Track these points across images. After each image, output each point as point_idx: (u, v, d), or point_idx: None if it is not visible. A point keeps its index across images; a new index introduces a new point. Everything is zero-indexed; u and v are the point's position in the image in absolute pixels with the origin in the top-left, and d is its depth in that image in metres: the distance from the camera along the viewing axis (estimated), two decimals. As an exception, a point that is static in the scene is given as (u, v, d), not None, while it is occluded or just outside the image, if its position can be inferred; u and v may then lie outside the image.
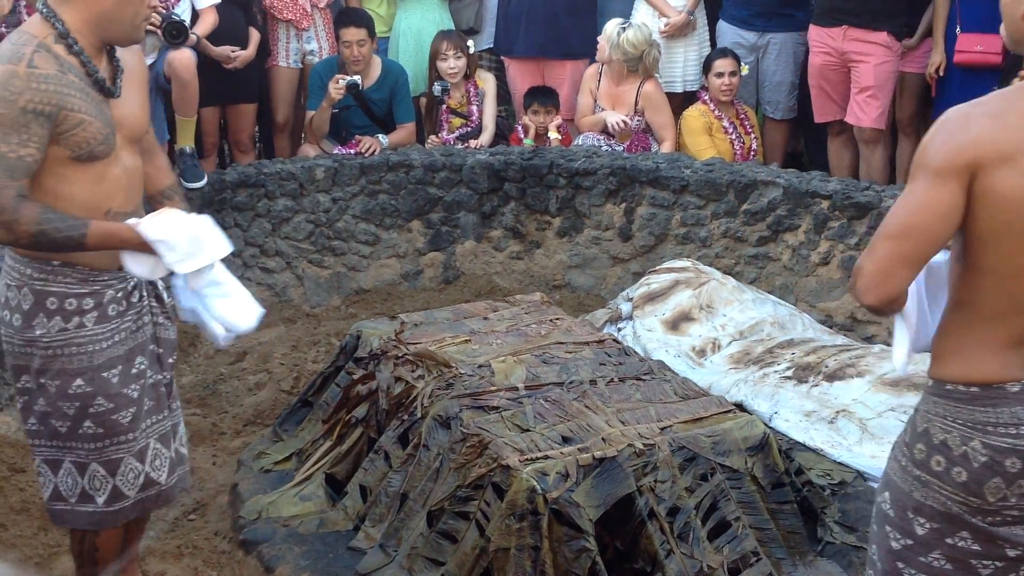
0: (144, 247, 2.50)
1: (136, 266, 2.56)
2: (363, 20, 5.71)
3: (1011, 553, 2.01)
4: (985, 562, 2.02)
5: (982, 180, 1.90)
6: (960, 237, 1.97)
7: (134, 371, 2.65)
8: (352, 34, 5.61)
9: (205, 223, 2.60)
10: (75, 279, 2.54)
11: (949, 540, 2.02)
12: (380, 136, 5.62)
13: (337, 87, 5.52)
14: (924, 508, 2.03)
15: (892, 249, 1.94)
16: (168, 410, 2.79)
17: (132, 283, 2.63)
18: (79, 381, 2.57)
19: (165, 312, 2.77)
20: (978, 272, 1.97)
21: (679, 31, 6.14)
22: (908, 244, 1.93)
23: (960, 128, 1.93)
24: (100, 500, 2.68)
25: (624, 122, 5.80)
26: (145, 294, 2.68)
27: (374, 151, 5.51)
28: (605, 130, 5.91)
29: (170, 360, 2.78)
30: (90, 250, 2.49)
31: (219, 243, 2.62)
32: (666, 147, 5.85)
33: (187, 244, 2.52)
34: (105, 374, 2.59)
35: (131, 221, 2.52)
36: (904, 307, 2.08)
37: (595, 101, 6.00)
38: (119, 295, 2.60)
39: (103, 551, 2.77)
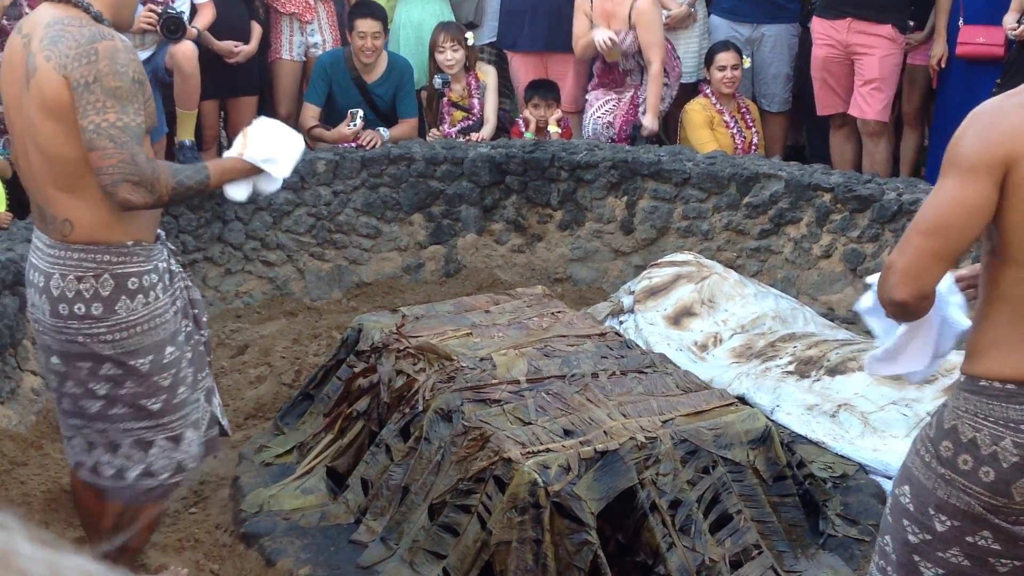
0: (251, 172, 2.69)
1: (236, 192, 2.73)
2: (379, 12, 5.69)
3: None
4: (1004, 560, 2.00)
5: (1016, 173, 1.88)
6: (995, 231, 1.95)
7: (183, 336, 2.76)
8: (368, 25, 5.59)
9: (273, 124, 2.80)
10: (143, 256, 2.63)
11: (969, 539, 2.00)
12: (381, 129, 5.61)
13: (354, 127, 5.50)
14: (947, 506, 2.01)
15: (925, 245, 1.92)
16: (208, 367, 2.91)
17: (166, 252, 2.75)
18: (170, 348, 2.67)
19: (190, 275, 2.91)
20: (1015, 265, 1.94)
21: (680, 23, 6.13)
22: (941, 240, 1.91)
23: (995, 122, 1.91)
24: (191, 464, 2.79)
25: (612, 40, 5.70)
26: (174, 261, 2.80)
27: (375, 144, 5.50)
28: (600, 56, 5.81)
29: (204, 319, 2.90)
30: (211, 190, 2.67)
31: (291, 134, 2.81)
32: (653, 69, 5.72)
33: (281, 151, 2.72)
34: (180, 337, 2.72)
35: (234, 152, 2.70)
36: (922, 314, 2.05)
37: (591, 23, 5.88)
38: (164, 265, 2.72)
39: (143, 529, 2.85)
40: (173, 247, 2.84)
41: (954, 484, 2.00)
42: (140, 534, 2.84)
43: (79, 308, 2.59)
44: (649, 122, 5.76)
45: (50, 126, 2.51)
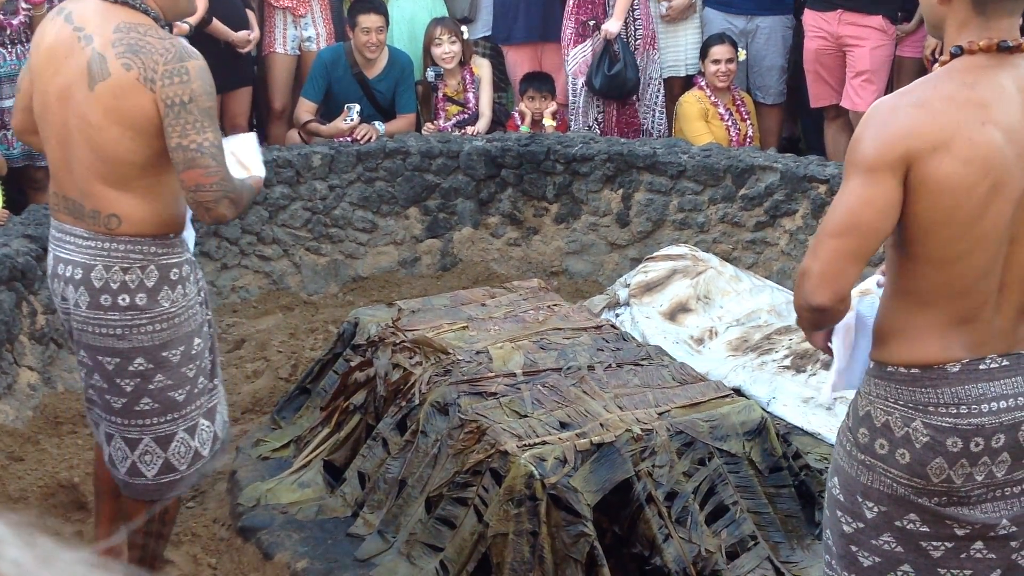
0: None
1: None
2: (381, 8, 5.69)
3: (960, 532, 2.02)
4: (935, 543, 2.03)
5: (917, 170, 1.90)
6: (899, 227, 1.98)
7: (207, 327, 2.83)
8: (371, 20, 5.59)
9: (244, 139, 3.05)
10: (181, 248, 2.73)
11: (898, 523, 2.03)
12: (377, 123, 5.60)
13: (350, 122, 5.51)
14: (871, 492, 2.04)
15: (838, 247, 1.94)
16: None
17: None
18: (197, 340, 2.74)
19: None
20: (917, 260, 1.97)
21: (681, 14, 6.13)
22: (854, 241, 1.94)
23: (888, 121, 1.93)
24: (206, 451, 2.83)
25: None
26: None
27: (370, 139, 5.49)
28: None
29: (210, 306, 2.97)
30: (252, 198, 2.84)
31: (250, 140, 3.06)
32: None
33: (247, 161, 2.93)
34: (205, 328, 2.79)
35: (252, 173, 2.87)
36: (839, 328, 2.08)
37: None
38: (191, 256, 2.81)
39: (171, 513, 2.90)
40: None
41: (875, 469, 2.03)
42: (169, 522, 2.91)
43: (123, 299, 2.63)
44: (611, 25, 5.77)
45: (116, 131, 2.55)
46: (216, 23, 5.29)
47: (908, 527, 2.03)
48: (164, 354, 2.67)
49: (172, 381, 2.69)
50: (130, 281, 2.62)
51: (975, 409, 1.98)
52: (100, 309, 2.63)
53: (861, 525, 2.07)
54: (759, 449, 3.14)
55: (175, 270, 2.67)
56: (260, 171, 2.91)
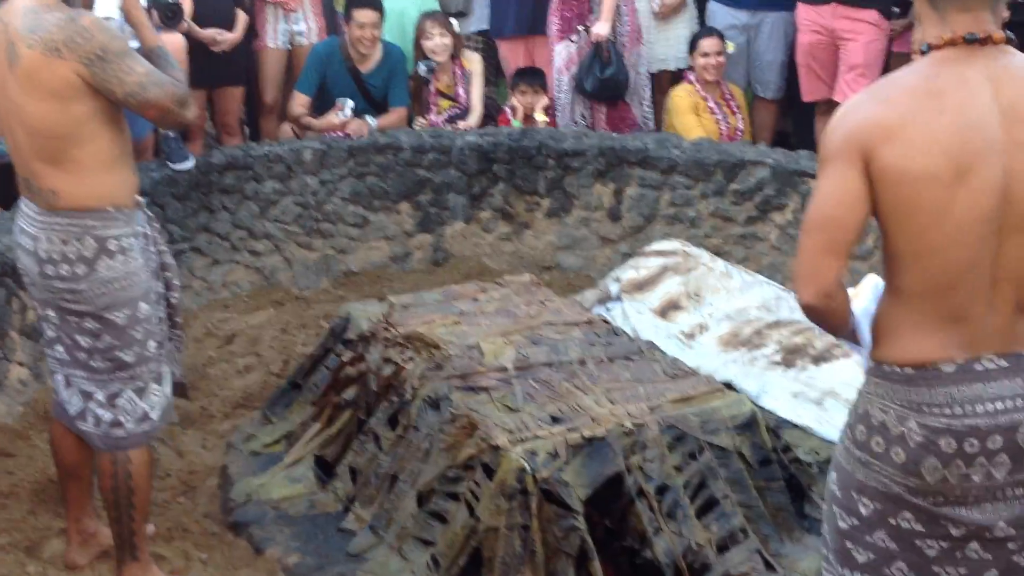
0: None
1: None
2: (376, 3, 5.68)
3: (955, 532, 2.01)
4: (930, 542, 2.03)
5: (875, 162, 1.92)
6: (878, 223, 1.99)
7: (155, 295, 2.95)
8: (367, 16, 5.58)
9: None
10: (123, 220, 2.85)
11: (892, 520, 2.03)
12: (368, 118, 5.60)
13: (343, 116, 5.51)
14: (867, 488, 2.04)
15: (812, 243, 1.97)
16: (173, 327, 3.08)
17: (143, 217, 2.96)
18: (144, 305, 2.86)
19: (164, 239, 3.11)
20: (897, 256, 1.99)
21: (673, 12, 6.13)
22: (825, 236, 1.96)
23: (848, 114, 1.97)
24: (155, 415, 2.95)
25: None
26: (148, 226, 2.98)
27: (362, 134, 5.49)
28: None
29: (176, 282, 3.07)
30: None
31: None
32: None
33: None
34: (153, 296, 2.91)
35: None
36: (852, 321, 2.09)
37: None
38: (141, 228, 2.93)
39: (138, 485, 2.96)
40: (151, 213, 3.04)
41: (870, 467, 2.03)
42: (138, 491, 2.96)
43: (65, 269, 2.81)
44: (600, 28, 5.77)
45: (39, 107, 2.73)
46: (188, 21, 5.25)
47: (903, 525, 2.03)
48: (108, 316, 2.82)
49: (119, 342, 2.85)
50: (69, 252, 2.80)
51: (970, 410, 1.96)
52: (47, 278, 2.83)
53: (856, 522, 2.07)
54: (749, 443, 3.15)
55: (113, 241, 2.82)
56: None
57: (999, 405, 1.97)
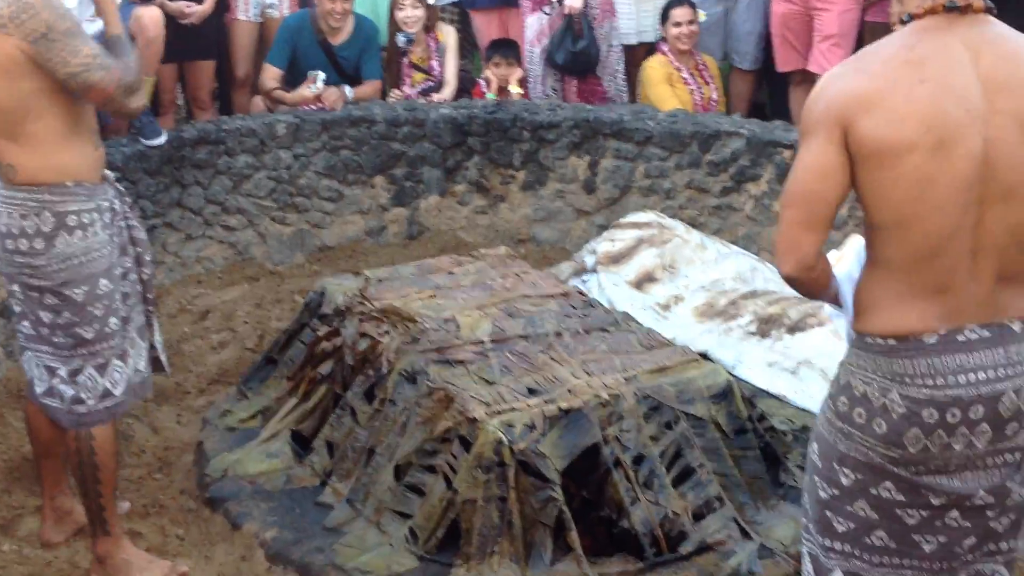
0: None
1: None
2: None
3: (935, 501, 2.03)
4: (910, 511, 2.05)
5: (854, 133, 1.92)
6: (858, 196, 1.99)
7: (121, 270, 2.92)
8: None
9: None
10: (85, 195, 2.83)
11: (873, 490, 2.05)
12: (346, 87, 5.55)
13: (315, 90, 5.46)
14: (848, 459, 2.06)
15: (790, 217, 1.99)
16: (145, 303, 3.06)
17: (112, 193, 2.93)
18: (104, 281, 2.84)
19: (135, 215, 3.07)
20: (878, 227, 1.99)
21: None
22: (803, 209, 1.97)
23: (826, 87, 1.97)
24: (118, 392, 2.93)
25: None
26: (119, 201, 2.96)
27: (338, 103, 5.43)
28: None
29: (148, 257, 3.06)
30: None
31: None
32: None
33: None
34: (116, 272, 2.89)
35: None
36: (835, 286, 2.11)
37: None
38: (107, 204, 2.89)
39: (102, 459, 2.95)
40: (122, 188, 3.01)
41: (852, 438, 2.04)
42: (103, 467, 2.95)
43: (23, 243, 2.79)
44: (574, 1, 5.75)
45: None
46: None
47: (883, 495, 2.04)
48: (67, 292, 2.81)
49: (78, 318, 2.83)
50: (28, 227, 2.78)
51: (952, 380, 1.97)
52: (8, 253, 2.82)
53: (837, 492, 2.08)
54: (725, 412, 3.16)
55: (72, 216, 2.80)
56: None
57: (981, 375, 1.98)
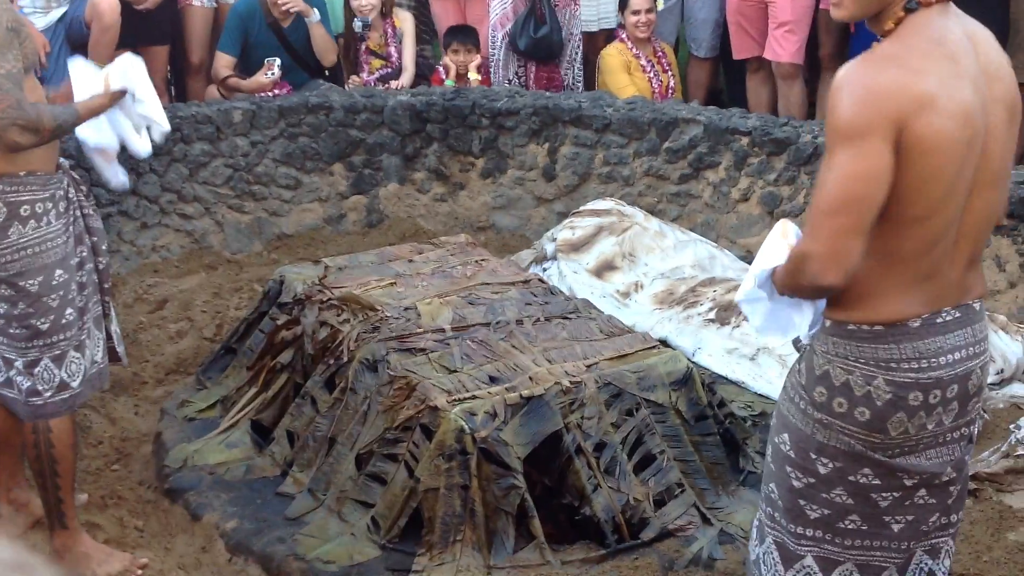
0: (113, 100, 2.94)
1: (94, 134, 2.97)
2: None
3: (908, 482, 2.07)
4: (884, 494, 2.08)
5: (910, 131, 1.86)
6: None
7: (76, 260, 2.89)
8: None
9: (127, 60, 3.01)
10: (38, 185, 2.79)
11: (852, 477, 2.07)
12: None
13: (271, 76, 5.41)
14: (827, 448, 2.07)
15: (839, 226, 1.88)
16: (104, 294, 3.03)
17: (67, 181, 2.89)
18: (59, 271, 2.81)
19: (91, 204, 3.04)
20: (896, 220, 1.94)
21: None
22: (853, 216, 1.88)
23: (869, 85, 1.88)
24: (75, 384, 2.90)
25: None
26: (73, 190, 2.92)
27: (274, 73, 5.42)
28: None
29: (103, 247, 3.03)
30: (80, 123, 2.89)
31: (133, 60, 3.02)
32: None
33: (133, 78, 2.97)
34: (72, 262, 2.86)
35: (91, 88, 2.90)
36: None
37: None
38: (62, 193, 2.86)
39: (60, 453, 2.93)
40: (78, 177, 2.99)
41: (832, 427, 2.05)
42: (61, 460, 2.92)
43: None
44: None
45: None
46: None
47: (861, 480, 2.06)
48: (21, 283, 2.78)
49: (33, 310, 2.80)
50: None
51: (934, 363, 2.00)
52: None
53: (812, 480, 2.09)
54: (685, 399, 3.19)
55: (26, 207, 2.76)
56: (113, 83, 2.94)
57: (956, 355, 2.02)
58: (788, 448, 2.13)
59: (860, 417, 2.03)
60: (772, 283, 2.09)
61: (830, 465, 2.07)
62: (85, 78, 2.96)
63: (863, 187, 1.87)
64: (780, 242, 2.11)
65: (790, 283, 2.02)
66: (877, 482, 2.07)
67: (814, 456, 2.08)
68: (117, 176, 3.12)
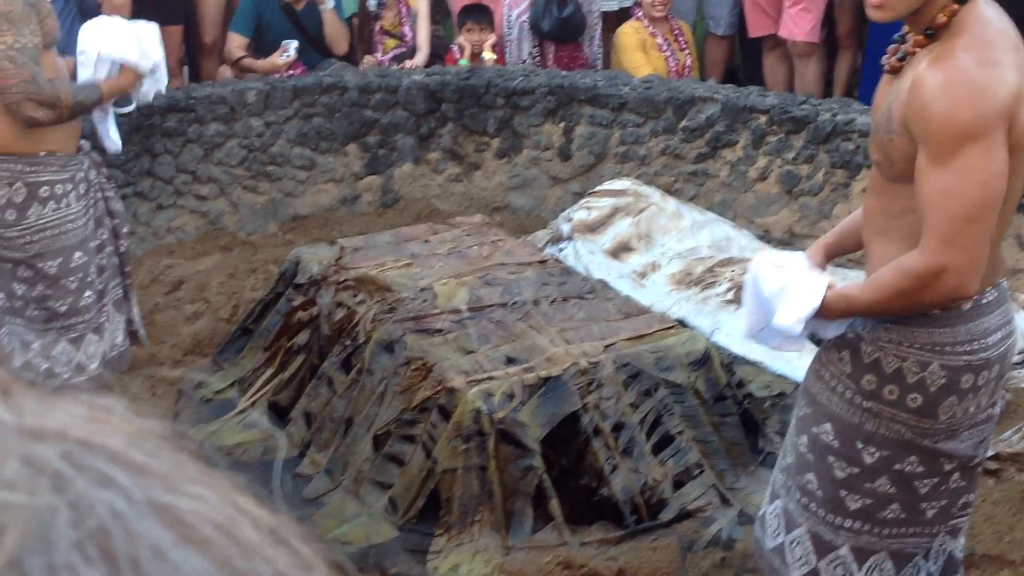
0: (131, 84, 2.94)
1: (119, 48, 2.96)
2: None
3: (947, 467, 2.06)
4: (925, 481, 2.07)
5: (1016, 127, 1.86)
6: None
7: (96, 243, 2.90)
8: None
9: (137, 27, 3.03)
10: (58, 166, 2.79)
11: (897, 466, 2.05)
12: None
13: (287, 58, 5.40)
14: (875, 437, 2.05)
15: (980, 231, 1.86)
16: (123, 276, 3.06)
17: (87, 163, 2.89)
18: (78, 253, 2.82)
19: (112, 186, 3.06)
20: None
21: None
22: (990, 220, 1.86)
23: (979, 84, 1.85)
24: (93, 366, 2.94)
25: None
26: (95, 172, 2.93)
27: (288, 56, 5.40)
28: None
29: (125, 229, 3.04)
30: (102, 103, 2.87)
31: (149, 28, 3.07)
32: None
33: (155, 52, 3.01)
34: (91, 244, 2.87)
35: (119, 63, 2.90)
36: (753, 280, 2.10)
37: None
38: (82, 175, 2.87)
39: None
40: (99, 159, 2.98)
41: (881, 415, 2.03)
42: None
43: None
44: None
45: None
46: None
47: (907, 469, 2.05)
48: (40, 265, 2.78)
49: (51, 292, 2.81)
50: (0, 197, 2.76)
51: (984, 343, 2.00)
52: None
53: (857, 470, 2.07)
54: (704, 379, 3.17)
55: (45, 188, 2.76)
56: (143, 64, 2.95)
57: (998, 335, 2.02)
58: (831, 438, 2.10)
59: (912, 404, 2.01)
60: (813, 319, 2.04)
61: (877, 454, 2.05)
62: (111, 31, 2.94)
63: (996, 186, 1.85)
64: (806, 275, 2.05)
65: (906, 303, 1.94)
66: (921, 469, 2.05)
67: (860, 445, 2.06)
68: (108, 135, 3.09)
